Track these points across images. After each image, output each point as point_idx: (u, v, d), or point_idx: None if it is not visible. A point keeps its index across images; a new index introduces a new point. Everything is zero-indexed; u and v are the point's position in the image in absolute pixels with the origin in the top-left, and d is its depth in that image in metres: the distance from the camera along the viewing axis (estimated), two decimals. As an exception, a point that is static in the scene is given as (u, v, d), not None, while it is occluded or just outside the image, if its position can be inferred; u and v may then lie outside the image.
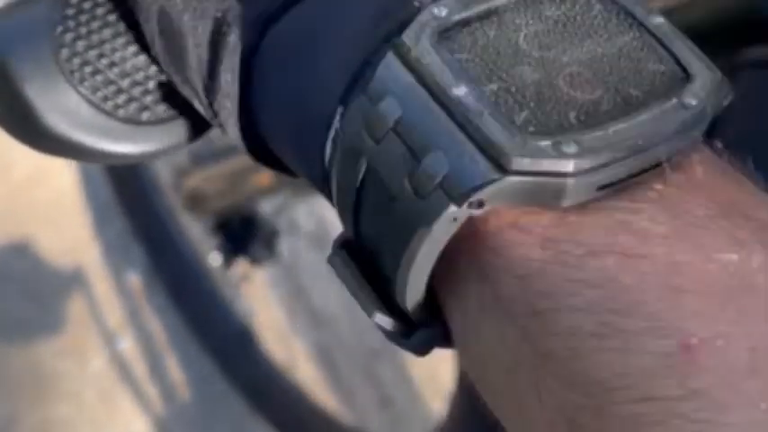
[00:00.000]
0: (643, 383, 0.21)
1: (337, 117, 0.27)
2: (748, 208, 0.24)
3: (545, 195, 0.23)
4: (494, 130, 0.24)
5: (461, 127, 0.24)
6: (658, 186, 0.24)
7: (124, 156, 0.36)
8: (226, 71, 0.31)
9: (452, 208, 0.23)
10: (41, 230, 1.28)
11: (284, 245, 1.21)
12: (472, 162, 0.23)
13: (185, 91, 0.34)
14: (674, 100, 0.25)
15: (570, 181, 0.23)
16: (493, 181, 0.23)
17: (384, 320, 0.26)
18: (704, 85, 0.25)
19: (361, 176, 0.25)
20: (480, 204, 0.23)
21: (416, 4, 0.27)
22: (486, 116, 0.24)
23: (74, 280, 1.26)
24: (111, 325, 1.25)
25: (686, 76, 0.25)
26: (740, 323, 0.22)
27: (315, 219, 1.30)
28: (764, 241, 0.23)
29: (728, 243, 0.23)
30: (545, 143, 0.24)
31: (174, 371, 1.23)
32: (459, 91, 0.24)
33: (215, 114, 0.33)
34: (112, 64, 0.36)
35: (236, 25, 0.30)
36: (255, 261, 1.17)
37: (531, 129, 0.24)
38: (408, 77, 0.25)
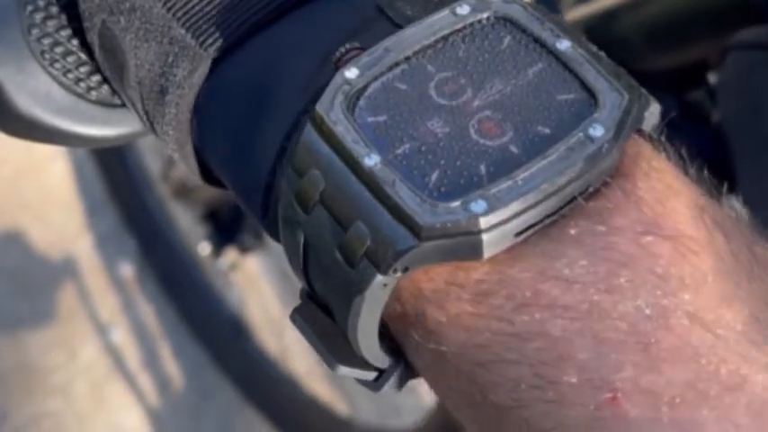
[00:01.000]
0: None
1: (276, 182, 0.28)
2: (671, 229, 0.24)
3: (465, 252, 0.24)
4: (405, 197, 0.24)
5: (377, 197, 0.25)
6: (574, 228, 0.25)
7: (97, 139, 0.36)
8: (170, 103, 0.31)
9: (379, 277, 0.24)
10: (31, 224, 1.29)
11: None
12: (391, 231, 0.24)
13: (124, 98, 0.34)
14: (580, 134, 0.25)
15: (484, 236, 0.24)
16: (411, 248, 0.24)
17: (348, 371, 0.27)
18: (612, 110, 0.25)
19: (301, 246, 0.27)
20: (406, 269, 0.24)
21: (342, 50, 0.27)
22: (397, 184, 0.25)
23: (64, 272, 1.26)
24: (101, 317, 1.25)
25: (594, 102, 0.26)
26: (662, 371, 0.23)
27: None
28: (683, 274, 0.23)
29: (646, 282, 0.23)
30: (455, 204, 0.24)
31: (167, 362, 1.24)
32: (371, 161, 0.25)
33: (153, 129, 0.33)
34: (84, 44, 0.35)
35: (184, 58, 0.31)
36: (245, 249, 1.17)
37: (443, 189, 0.25)
38: (326, 149, 0.26)
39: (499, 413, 0.24)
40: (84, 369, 1.22)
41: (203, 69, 0.30)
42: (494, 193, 0.24)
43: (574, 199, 0.24)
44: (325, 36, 0.29)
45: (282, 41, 0.30)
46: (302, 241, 0.26)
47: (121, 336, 1.25)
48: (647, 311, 0.23)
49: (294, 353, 1.23)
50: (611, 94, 0.25)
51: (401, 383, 0.28)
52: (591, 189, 0.25)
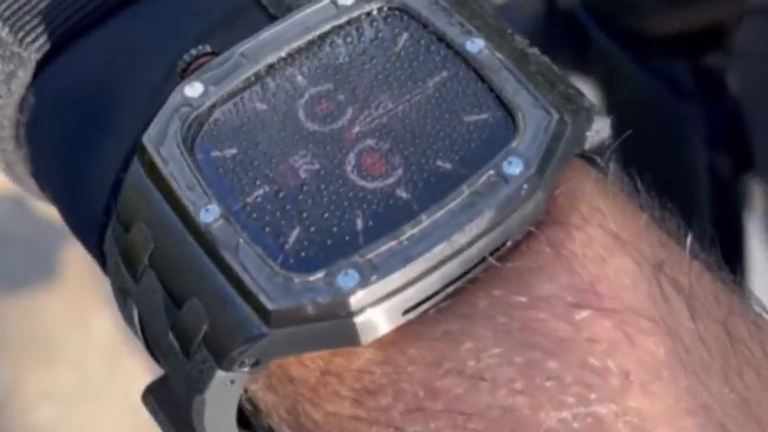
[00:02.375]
0: None
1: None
2: (614, 299, 0.18)
3: (335, 339, 0.18)
4: (251, 268, 0.18)
5: (216, 266, 0.19)
6: (484, 298, 0.18)
7: None
8: None
9: (220, 373, 0.19)
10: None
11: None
12: (233, 313, 0.18)
13: None
14: (491, 171, 0.18)
15: (356, 320, 0.18)
16: (259, 337, 0.18)
17: None
18: (535, 134, 0.19)
19: (136, 319, 0.21)
20: (257, 362, 0.19)
21: (189, 56, 0.21)
22: (242, 248, 0.18)
23: (77, 241, 1.23)
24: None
25: (512, 124, 0.19)
26: None
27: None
28: (628, 368, 0.18)
29: (577, 380, 0.18)
30: (316, 276, 0.18)
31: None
32: (209, 215, 0.19)
33: None
34: None
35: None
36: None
37: (303, 253, 0.18)
38: (155, 195, 0.19)
39: None
40: (97, 340, 1.18)
41: (25, 75, 0.24)
42: (370, 259, 0.18)
43: (484, 259, 0.19)
44: (180, 31, 0.22)
45: (126, 38, 0.23)
46: (136, 318, 0.21)
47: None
48: (576, 426, 0.17)
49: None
50: (535, 112, 0.19)
51: None
52: (509, 243, 0.19)
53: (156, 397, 0.22)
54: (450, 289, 0.18)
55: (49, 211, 1.05)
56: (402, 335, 0.18)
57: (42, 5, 0.23)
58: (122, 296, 0.21)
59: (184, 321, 0.19)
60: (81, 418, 1.14)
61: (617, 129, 0.20)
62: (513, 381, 0.18)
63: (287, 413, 0.20)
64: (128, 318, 0.21)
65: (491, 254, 0.18)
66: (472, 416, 0.18)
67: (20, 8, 0.24)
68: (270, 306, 0.18)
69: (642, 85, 0.48)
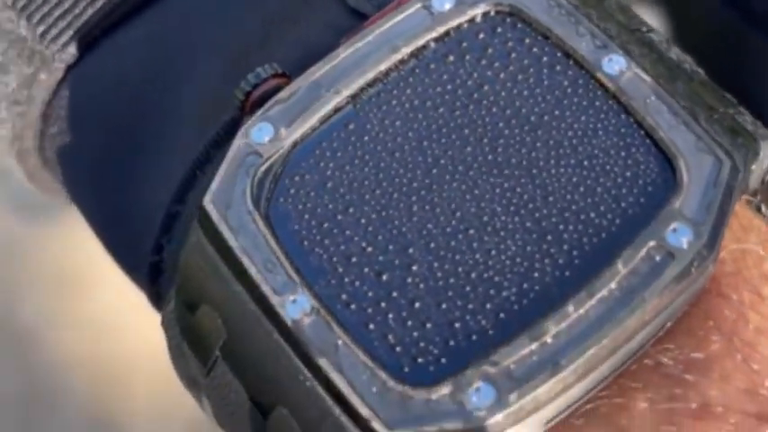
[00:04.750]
0: None
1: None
2: None
3: None
4: (355, 379, 0.14)
5: (311, 372, 0.15)
6: (642, 401, 0.15)
7: None
8: (2, 123, 0.21)
9: None
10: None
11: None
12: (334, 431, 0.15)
13: None
14: (651, 242, 0.14)
15: None
16: None
17: None
18: (705, 189, 0.15)
19: (209, 409, 0.17)
20: None
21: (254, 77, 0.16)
22: (342, 352, 0.14)
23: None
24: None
25: (671, 174, 0.15)
26: None
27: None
28: None
29: None
30: (440, 393, 0.14)
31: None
32: (297, 309, 0.15)
33: None
34: None
35: (17, 58, 0.20)
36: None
37: (420, 359, 0.14)
38: (225, 274, 0.15)
39: None
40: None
41: (49, 78, 0.20)
42: (507, 368, 0.14)
43: (641, 348, 0.15)
44: (235, 20, 0.18)
45: (168, 31, 0.19)
46: (211, 414, 0.17)
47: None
48: None
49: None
50: (701, 157, 0.15)
51: None
52: (668, 325, 0.15)
53: None
54: (599, 387, 0.15)
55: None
56: None
57: None
58: (192, 386, 0.17)
59: None
60: (115, 349, 1.13)
61: None
62: None
63: None
64: (198, 400, 0.17)
65: (649, 340, 0.15)
66: None
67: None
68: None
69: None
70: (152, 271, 0.19)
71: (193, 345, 0.16)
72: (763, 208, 0.16)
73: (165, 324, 0.17)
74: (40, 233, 1.17)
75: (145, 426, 1.10)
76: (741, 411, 0.14)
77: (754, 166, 0.15)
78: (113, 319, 1.15)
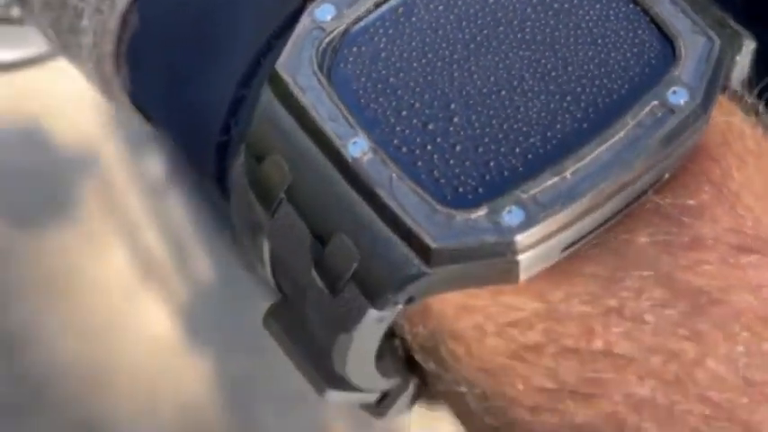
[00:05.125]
0: None
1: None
2: None
3: (492, 277, 0.18)
4: (408, 204, 0.17)
5: (368, 202, 0.18)
6: (644, 235, 0.18)
7: None
8: (86, 31, 0.24)
9: (372, 312, 0.18)
10: (54, 123, 1.23)
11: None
12: (390, 251, 0.17)
13: (29, 20, 0.27)
14: (654, 101, 0.17)
15: (521, 257, 0.17)
16: (420, 276, 0.17)
17: (340, 397, 0.21)
18: (698, 62, 0.18)
19: (267, 254, 0.20)
20: (410, 299, 0.18)
21: None
22: (395, 183, 0.17)
23: (91, 175, 1.22)
24: (132, 218, 1.21)
25: (671, 51, 0.18)
26: None
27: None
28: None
29: (746, 326, 0.17)
30: (479, 213, 0.17)
31: (198, 264, 1.19)
32: (356, 148, 0.18)
33: (69, 59, 0.26)
34: None
35: None
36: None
37: (461, 188, 0.17)
38: (291, 126, 0.18)
39: None
40: (115, 275, 1.18)
41: None
42: (534, 195, 0.17)
43: (644, 193, 0.18)
44: None
45: None
46: (267, 254, 0.20)
47: (154, 240, 1.21)
48: (747, 374, 0.16)
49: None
50: (696, 37, 0.18)
51: (411, 404, 0.22)
52: (666, 176, 0.18)
53: (278, 321, 0.21)
54: (608, 224, 0.18)
55: (62, 144, 1.04)
56: (555, 270, 0.18)
57: None
58: (251, 230, 0.20)
59: (332, 258, 0.18)
60: (101, 351, 1.14)
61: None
62: (677, 325, 0.17)
63: (427, 344, 0.19)
64: (255, 251, 0.20)
65: (651, 186, 0.17)
66: (633, 361, 0.17)
67: None
68: (433, 245, 0.17)
69: None
70: (219, 150, 0.21)
71: (259, 191, 0.19)
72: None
73: (233, 181, 0.20)
74: (28, 239, 1.19)
75: (129, 429, 1.11)
76: (727, 244, 0.17)
77: (738, 58, 0.18)
78: (100, 324, 1.16)
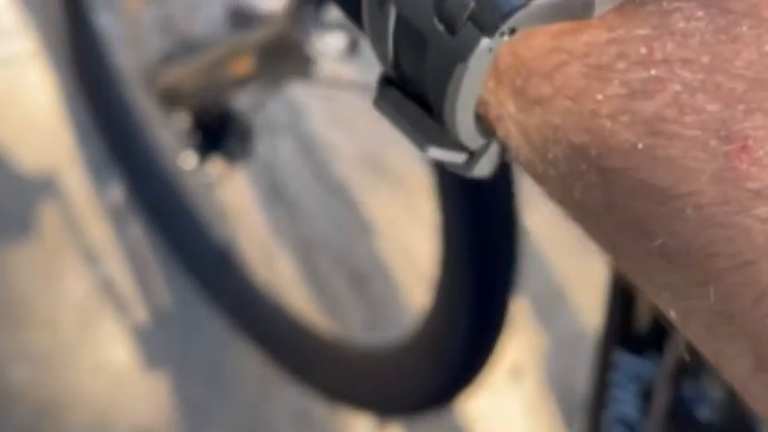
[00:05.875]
0: (709, 189, 0.21)
1: None
2: None
3: (575, 10, 0.23)
4: None
5: None
6: None
7: None
8: None
9: (485, 40, 0.23)
10: (16, 149, 1.24)
11: (261, 142, 1.15)
12: None
13: None
14: None
15: None
16: (520, 7, 0.22)
17: (439, 153, 0.26)
18: None
19: (392, 20, 0.25)
20: (513, 31, 0.23)
21: None
22: None
23: (50, 198, 1.23)
24: (90, 247, 1.21)
25: None
26: None
27: (290, 113, 1.25)
28: None
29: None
30: None
31: (157, 293, 1.20)
32: None
33: None
34: None
35: None
36: (231, 159, 1.11)
37: None
38: None
39: (609, 180, 0.23)
40: (72, 302, 1.18)
41: None
42: None
43: None
44: None
45: None
46: (393, 15, 0.24)
47: (110, 266, 1.21)
48: None
49: (281, 262, 1.19)
50: None
51: (491, 165, 0.27)
52: None
53: (386, 100, 0.26)
54: None
55: (22, 170, 1.04)
56: (621, 12, 0.22)
57: None
58: (379, 1, 0.24)
59: (452, 4, 0.23)
60: (54, 378, 1.14)
61: None
62: (718, 33, 0.21)
63: (514, 91, 0.23)
64: (380, 22, 0.24)
65: None
66: (687, 61, 0.21)
67: None
68: None
69: None
70: None
71: None
72: None
73: None
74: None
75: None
76: None
77: None
78: (54, 351, 1.16)
